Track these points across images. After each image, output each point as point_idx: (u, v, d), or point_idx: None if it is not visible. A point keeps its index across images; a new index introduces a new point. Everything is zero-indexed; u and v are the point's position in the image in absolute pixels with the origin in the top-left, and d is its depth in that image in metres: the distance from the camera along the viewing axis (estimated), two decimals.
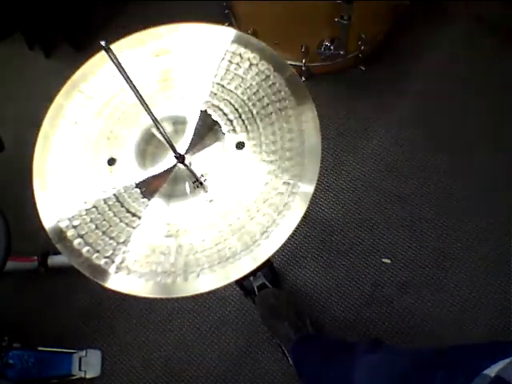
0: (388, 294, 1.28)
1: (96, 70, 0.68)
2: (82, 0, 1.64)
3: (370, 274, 1.30)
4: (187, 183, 0.62)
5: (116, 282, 0.56)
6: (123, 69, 0.47)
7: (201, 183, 0.61)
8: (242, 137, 0.63)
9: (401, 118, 1.46)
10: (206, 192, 0.60)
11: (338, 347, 0.96)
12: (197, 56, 0.68)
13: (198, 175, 0.62)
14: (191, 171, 0.62)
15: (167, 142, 0.58)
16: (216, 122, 0.65)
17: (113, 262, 0.58)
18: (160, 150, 0.65)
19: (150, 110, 0.53)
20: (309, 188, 0.57)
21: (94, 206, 0.62)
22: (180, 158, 0.63)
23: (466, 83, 1.48)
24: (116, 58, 0.46)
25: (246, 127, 0.63)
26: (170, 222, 0.60)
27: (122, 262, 0.57)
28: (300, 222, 0.55)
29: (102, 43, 0.43)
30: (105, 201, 0.62)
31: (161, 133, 0.56)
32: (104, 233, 0.59)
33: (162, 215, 0.61)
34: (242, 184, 0.60)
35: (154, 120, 0.54)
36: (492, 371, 0.50)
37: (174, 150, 0.61)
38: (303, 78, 1.47)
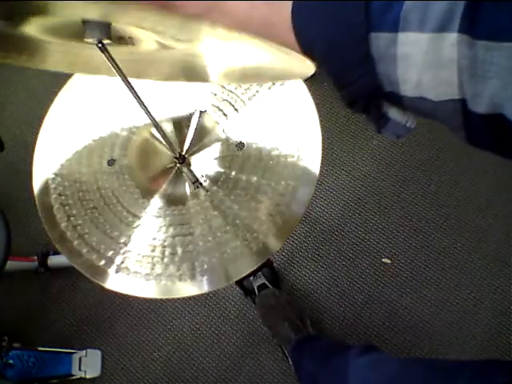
0: (388, 294, 1.28)
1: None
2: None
3: (370, 273, 1.30)
4: (187, 184, 0.62)
5: (116, 282, 0.56)
6: (120, 69, 0.47)
7: (201, 184, 0.61)
8: (242, 137, 0.63)
9: None
10: (207, 192, 0.60)
11: (334, 351, 0.96)
12: None
13: (198, 176, 0.62)
14: (191, 172, 0.62)
15: (167, 142, 0.58)
16: (216, 121, 0.65)
17: (113, 262, 0.58)
18: (160, 151, 0.65)
19: (148, 110, 0.53)
20: (309, 188, 0.57)
21: (94, 207, 0.62)
22: (180, 159, 0.63)
23: None
24: (112, 58, 0.45)
25: (247, 128, 0.63)
26: (171, 223, 0.60)
27: (122, 263, 0.58)
28: (300, 222, 0.55)
29: (99, 45, 0.43)
30: (105, 201, 0.62)
31: (160, 133, 0.57)
32: (104, 233, 0.59)
33: (162, 215, 0.61)
34: (242, 185, 0.60)
35: (153, 121, 0.54)
36: None
37: (174, 151, 0.61)
38: None
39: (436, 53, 0.28)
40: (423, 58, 0.29)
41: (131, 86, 0.49)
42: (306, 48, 0.35)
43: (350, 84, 0.33)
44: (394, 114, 0.33)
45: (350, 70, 0.32)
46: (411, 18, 0.28)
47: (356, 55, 0.31)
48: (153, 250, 0.58)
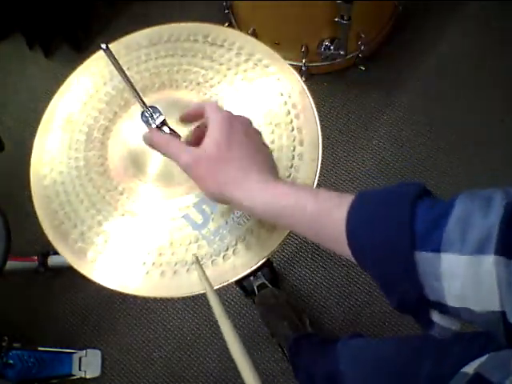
0: None
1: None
2: (83, 0, 1.64)
3: None
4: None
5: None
6: (124, 72, 0.47)
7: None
8: None
9: (401, 118, 1.46)
10: None
11: (327, 342, 0.97)
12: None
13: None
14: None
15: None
16: None
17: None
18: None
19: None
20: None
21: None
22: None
23: (467, 82, 1.48)
24: (117, 61, 0.45)
25: None
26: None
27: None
28: None
29: (103, 46, 0.43)
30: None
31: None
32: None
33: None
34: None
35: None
36: (471, 368, 0.50)
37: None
38: (303, 78, 1.47)
39: (476, 272, 0.31)
40: (465, 275, 0.31)
41: (136, 91, 0.49)
42: (357, 253, 0.38)
43: (397, 292, 0.36)
44: (439, 319, 0.35)
45: (397, 281, 0.35)
46: (452, 240, 0.32)
47: (402, 269, 0.34)
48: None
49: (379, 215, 0.36)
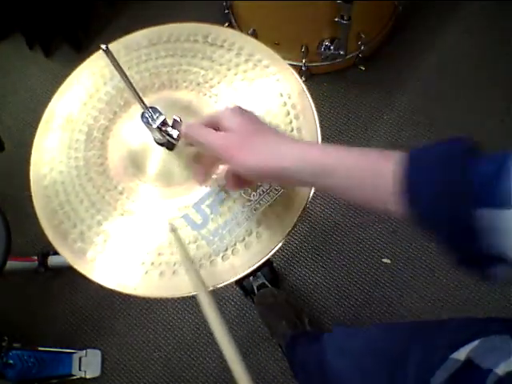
0: (388, 294, 1.28)
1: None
2: (83, 0, 1.64)
3: (370, 273, 1.30)
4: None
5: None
6: (124, 73, 0.47)
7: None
8: None
9: (401, 118, 1.46)
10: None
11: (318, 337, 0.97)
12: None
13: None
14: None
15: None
16: None
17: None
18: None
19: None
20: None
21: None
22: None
23: (467, 82, 1.48)
24: (117, 62, 0.45)
25: None
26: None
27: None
28: (300, 222, 0.55)
29: (103, 47, 0.43)
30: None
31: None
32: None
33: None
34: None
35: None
36: (461, 354, 0.50)
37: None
38: (303, 78, 1.47)
39: None
40: None
41: (136, 92, 0.49)
42: (416, 209, 0.37)
43: (457, 249, 0.35)
44: (503, 271, 0.35)
45: (457, 238, 0.34)
46: None
47: (463, 226, 0.33)
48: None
49: (437, 171, 0.36)
